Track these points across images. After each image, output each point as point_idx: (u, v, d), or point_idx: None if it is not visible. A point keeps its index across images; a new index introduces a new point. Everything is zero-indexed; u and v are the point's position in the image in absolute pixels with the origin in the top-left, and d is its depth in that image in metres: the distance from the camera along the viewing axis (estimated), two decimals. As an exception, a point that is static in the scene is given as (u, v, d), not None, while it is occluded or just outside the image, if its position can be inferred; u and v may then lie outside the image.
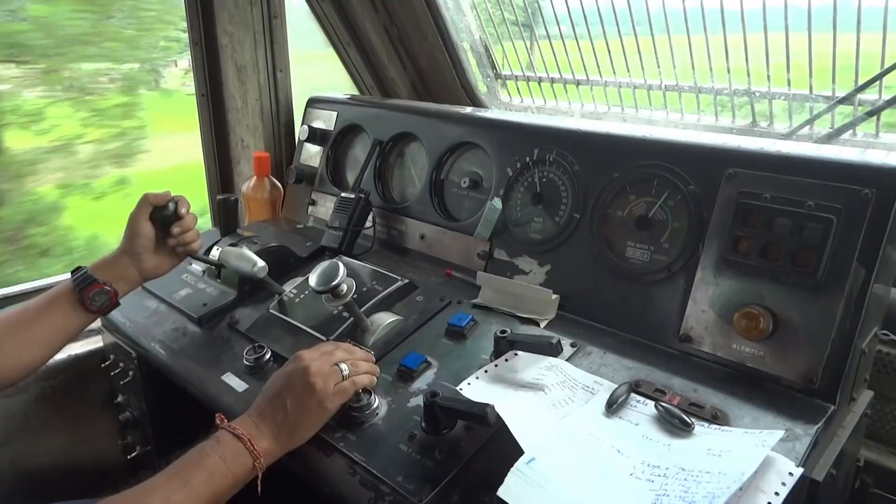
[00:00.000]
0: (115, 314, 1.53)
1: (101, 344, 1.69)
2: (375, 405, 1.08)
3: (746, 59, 1.66)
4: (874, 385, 1.21)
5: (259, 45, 1.87)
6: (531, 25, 2.13)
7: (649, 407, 0.98)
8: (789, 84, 1.65)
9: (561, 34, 2.04)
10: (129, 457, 1.71)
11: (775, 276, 1.01)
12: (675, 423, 0.93)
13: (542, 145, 1.36)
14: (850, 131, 1.63)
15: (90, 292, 1.22)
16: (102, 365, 1.65)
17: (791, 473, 0.83)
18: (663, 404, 0.96)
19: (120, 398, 1.69)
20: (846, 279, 0.96)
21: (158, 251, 1.32)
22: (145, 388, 1.56)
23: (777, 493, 0.79)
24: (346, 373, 1.05)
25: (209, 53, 1.99)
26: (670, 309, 1.13)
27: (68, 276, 1.25)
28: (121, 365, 1.59)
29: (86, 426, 1.74)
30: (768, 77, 1.66)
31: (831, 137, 1.60)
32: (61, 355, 1.69)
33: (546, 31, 2.07)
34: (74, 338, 1.28)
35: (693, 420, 0.93)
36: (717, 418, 0.94)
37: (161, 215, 1.29)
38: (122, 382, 1.62)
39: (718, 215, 1.09)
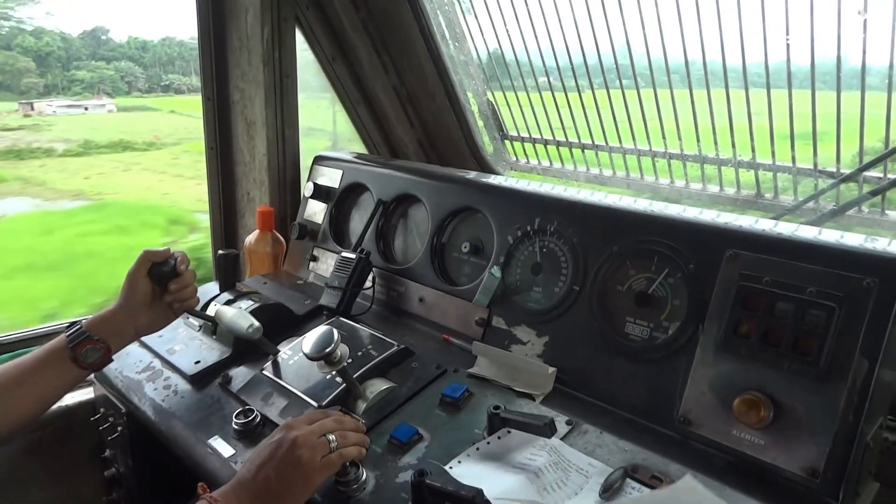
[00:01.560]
0: (107, 368, 1.50)
1: (92, 395, 1.66)
2: (363, 479, 1.05)
3: (751, 132, 1.67)
4: (883, 474, 1.16)
5: (269, 103, 1.91)
6: (537, 82, 2.16)
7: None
8: (794, 160, 1.66)
9: (565, 89, 2.06)
10: (112, 514, 1.67)
11: (777, 363, 0.99)
12: (671, 516, 0.89)
13: (544, 215, 1.36)
14: (856, 208, 1.62)
15: (83, 348, 1.22)
16: (92, 418, 1.62)
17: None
18: (659, 494, 0.92)
19: (107, 452, 1.65)
20: (849, 370, 0.93)
21: (155, 307, 1.31)
22: (133, 444, 1.52)
23: None
24: (334, 444, 1.03)
25: (220, 108, 2.03)
26: (669, 389, 1.10)
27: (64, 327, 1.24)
28: (110, 419, 1.56)
29: (72, 480, 1.70)
30: (773, 152, 1.67)
31: (836, 214, 1.59)
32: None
33: (550, 86, 2.10)
34: (66, 393, 1.27)
35: (690, 513, 0.89)
36: (715, 512, 0.90)
37: (160, 271, 1.29)
38: (110, 437, 1.59)
39: (719, 296, 1.07)
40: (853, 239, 1.04)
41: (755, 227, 1.10)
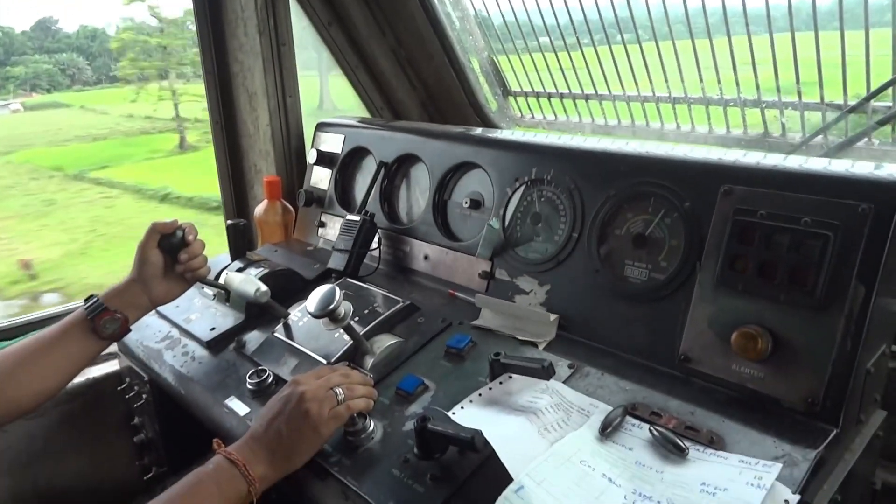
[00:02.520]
0: (129, 338, 1.56)
1: (117, 367, 1.72)
2: (371, 429, 1.08)
3: (754, 68, 1.63)
4: (890, 404, 1.16)
5: (268, 72, 1.91)
6: (538, 40, 2.13)
7: (644, 430, 0.96)
8: (800, 95, 1.62)
9: (566, 46, 2.03)
10: (145, 478, 1.74)
11: (773, 295, 0.99)
12: (668, 448, 0.91)
13: (540, 164, 1.36)
14: (866, 139, 1.58)
15: (101, 320, 1.26)
16: (119, 388, 1.69)
17: (787, 501, 0.80)
18: (658, 428, 0.94)
19: (136, 420, 1.72)
20: (846, 298, 0.93)
21: (168, 278, 1.35)
22: (158, 410, 1.58)
23: (770, 522, 0.77)
24: (341, 397, 1.06)
25: (221, 82, 2.04)
26: (669, 329, 1.11)
27: (81, 303, 1.29)
28: (135, 388, 1.62)
29: (104, 448, 1.78)
30: (777, 88, 1.63)
31: (844, 147, 1.56)
32: (79, 379, 1.74)
33: (552, 44, 2.07)
34: (88, 364, 1.31)
35: (688, 444, 0.91)
36: (713, 442, 0.92)
37: (169, 243, 1.32)
38: (136, 405, 1.66)
39: (715, 233, 1.07)
40: (847, 166, 1.02)
41: (748, 161, 1.09)
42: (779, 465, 0.84)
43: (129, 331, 1.31)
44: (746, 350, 0.98)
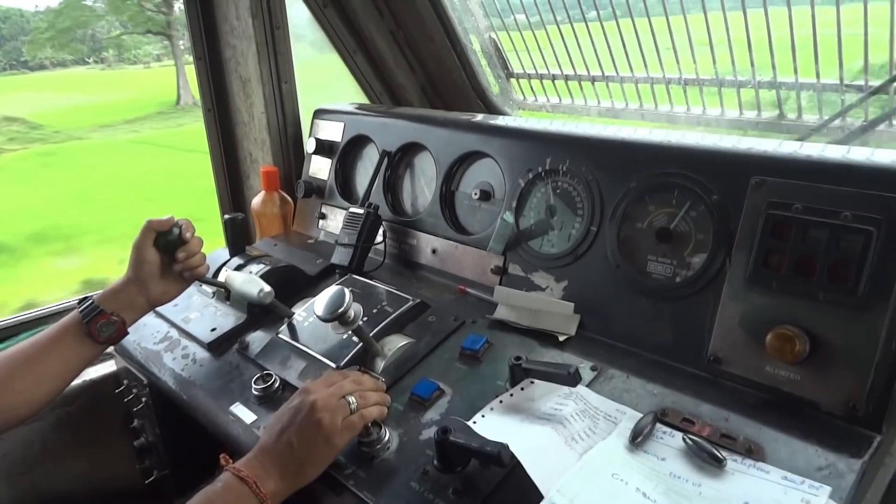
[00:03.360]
0: (126, 339, 1.49)
1: (115, 368, 1.67)
2: (386, 438, 1.03)
3: (770, 46, 1.56)
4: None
5: (262, 57, 1.83)
6: (541, 15, 2.05)
7: (677, 439, 0.91)
8: (818, 75, 1.55)
9: (570, 19, 1.95)
10: (146, 481, 1.69)
11: (811, 294, 0.94)
12: (704, 458, 0.86)
13: (555, 154, 1.30)
14: (886, 122, 1.53)
15: (97, 323, 1.20)
16: (117, 391, 1.63)
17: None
18: (692, 437, 0.89)
19: (135, 423, 1.67)
20: (890, 296, 0.88)
21: (165, 277, 1.29)
22: (158, 414, 1.53)
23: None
24: (354, 406, 1.01)
25: (213, 68, 1.96)
26: (696, 328, 1.06)
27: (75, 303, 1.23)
28: (134, 391, 1.56)
29: (103, 451, 1.73)
30: (795, 69, 1.57)
31: (865, 130, 1.50)
32: (76, 381, 1.67)
33: (555, 19, 1.98)
34: (85, 368, 1.26)
35: (725, 454, 0.86)
36: (751, 452, 0.87)
37: (165, 241, 1.26)
38: (135, 409, 1.60)
39: (746, 227, 1.01)
40: (886, 156, 0.97)
41: (781, 151, 1.03)
42: (828, 489, 0.79)
43: (127, 333, 1.26)
44: (783, 352, 0.93)
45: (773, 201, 0.98)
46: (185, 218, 1.30)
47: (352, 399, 1.01)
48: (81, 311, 1.21)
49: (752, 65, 1.65)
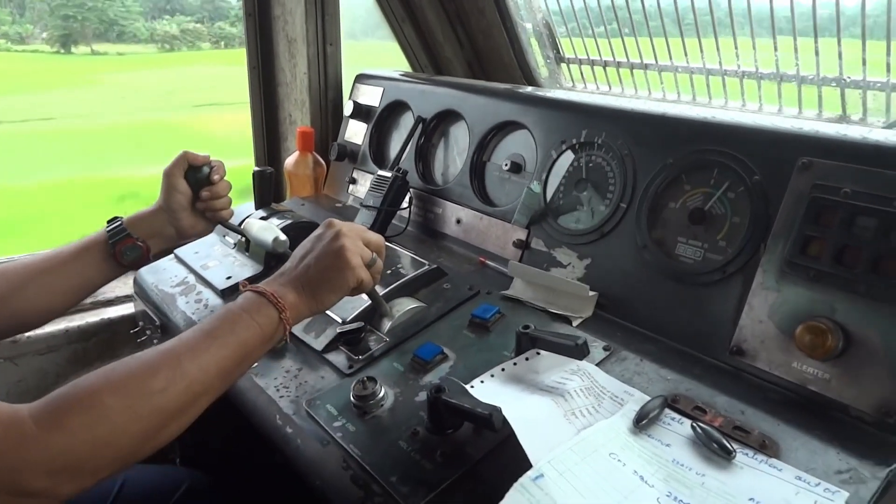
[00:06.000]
0: (145, 281, 1.52)
1: (132, 310, 1.68)
2: (381, 395, 1.00)
3: (839, 39, 1.45)
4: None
5: (310, 17, 1.81)
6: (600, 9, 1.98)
7: (685, 426, 0.84)
8: (888, 69, 1.44)
9: (629, 10, 1.87)
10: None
11: (851, 286, 0.85)
12: (712, 448, 0.79)
13: (591, 126, 1.23)
14: (961, 129, 1.40)
15: (123, 246, 1.21)
16: (132, 331, 1.64)
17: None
18: (701, 424, 0.82)
19: (148, 366, 1.68)
20: (941, 295, 0.79)
21: (195, 211, 1.29)
22: (168, 357, 1.53)
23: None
24: (373, 258, 1.03)
25: (262, 25, 1.95)
26: (722, 316, 0.99)
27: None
28: (147, 332, 1.57)
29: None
30: (864, 61, 1.46)
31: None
32: (94, 318, 1.71)
33: (614, 10, 1.91)
34: (100, 287, 1.26)
35: (735, 447, 0.79)
36: (764, 447, 0.80)
37: (194, 176, 1.26)
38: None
39: (786, 211, 0.94)
40: (957, 145, 0.88)
41: (834, 132, 0.95)
42: (845, 494, 0.71)
43: (150, 260, 1.27)
44: (813, 346, 0.85)
45: (820, 184, 0.90)
46: (219, 160, 1.29)
47: (374, 255, 1.04)
48: (108, 232, 1.21)
49: (817, 56, 1.54)
